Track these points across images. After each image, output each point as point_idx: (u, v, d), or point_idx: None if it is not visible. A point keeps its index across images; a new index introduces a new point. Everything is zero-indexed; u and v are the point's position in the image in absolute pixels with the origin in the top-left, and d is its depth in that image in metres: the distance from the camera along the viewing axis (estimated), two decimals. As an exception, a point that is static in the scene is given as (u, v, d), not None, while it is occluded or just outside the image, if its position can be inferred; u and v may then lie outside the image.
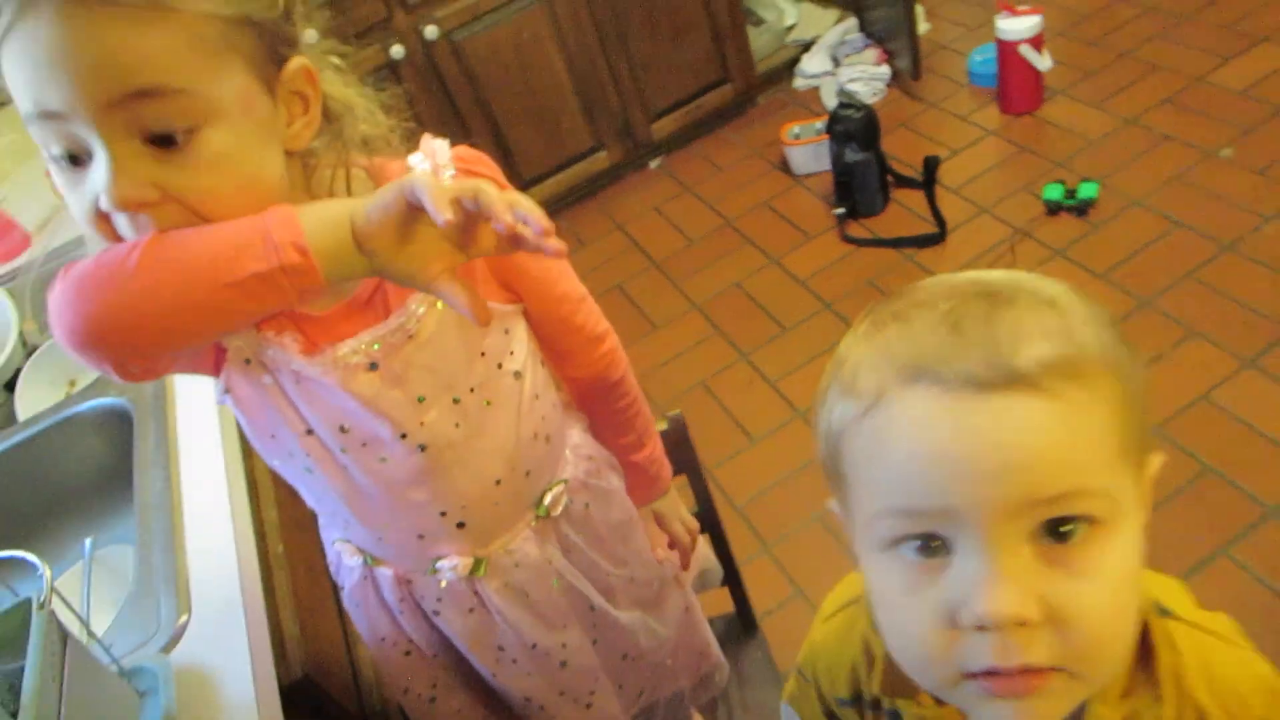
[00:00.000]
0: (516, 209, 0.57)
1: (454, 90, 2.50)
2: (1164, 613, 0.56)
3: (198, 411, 1.04)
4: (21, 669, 0.62)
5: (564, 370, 0.92)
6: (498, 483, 0.83)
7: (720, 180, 2.85)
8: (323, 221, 0.61)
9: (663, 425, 1.17)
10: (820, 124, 2.60)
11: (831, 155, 2.46)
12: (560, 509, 0.90)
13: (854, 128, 2.37)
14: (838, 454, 0.52)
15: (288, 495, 0.96)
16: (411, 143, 0.76)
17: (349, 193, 0.72)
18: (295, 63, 0.65)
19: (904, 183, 2.52)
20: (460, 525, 0.83)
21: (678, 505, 1.07)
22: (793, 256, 2.51)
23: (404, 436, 0.76)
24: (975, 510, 0.45)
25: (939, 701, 0.58)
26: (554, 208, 2.89)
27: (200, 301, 0.60)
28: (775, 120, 2.94)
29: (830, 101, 2.85)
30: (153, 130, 0.58)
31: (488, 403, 0.80)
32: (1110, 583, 0.46)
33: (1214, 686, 0.54)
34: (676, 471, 1.21)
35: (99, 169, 0.58)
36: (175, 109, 0.58)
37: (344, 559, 0.91)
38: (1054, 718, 0.49)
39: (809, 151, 2.66)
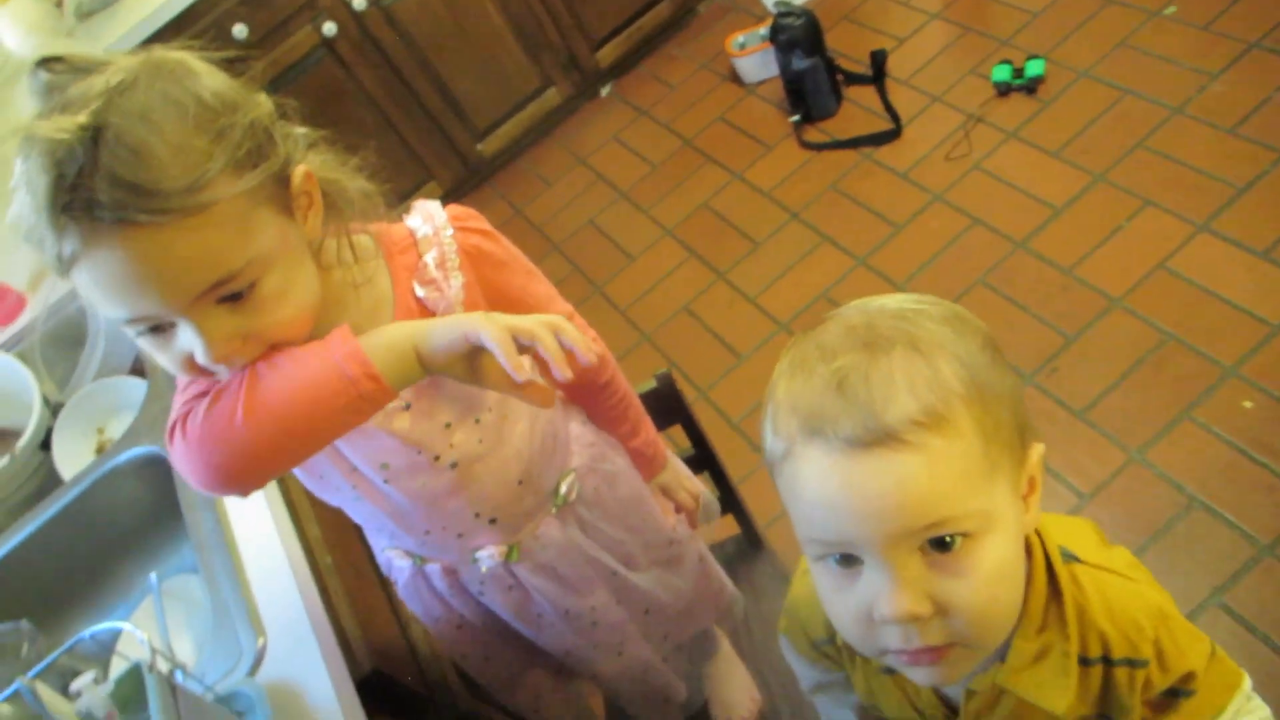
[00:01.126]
0: (562, 337, 0.69)
1: (394, 56, 2.49)
2: (1069, 558, 0.69)
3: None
4: (146, 724, 0.72)
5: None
6: (520, 483, 0.93)
7: (673, 99, 2.86)
8: (388, 349, 0.71)
9: (650, 384, 1.25)
10: (764, 30, 2.60)
11: (779, 64, 2.47)
12: (575, 495, 1.00)
13: (796, 35, 2.38)
14: (774, 478, 0.64)
15: (325, 511, 1.06)
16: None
17: (355, 258, 0.79)
18: (298, 174, 0.71)
19: (854, 80, 2.54)
20: (492, 521, 0.94)
21: (679, 475, 1.18)
22: (755, 169, 2.55)
23: (437, 459, 0.85)
24: (868, 541, 0.57)
25: None
26: (513, 152, 2.91)
27: (300, 439, 0.71)
28: (719, 29, 2.93)
29: (770, 1, 2.84)
30: (224, 296, 0.66)
31: (504, 417, 0.90)
32: (985, 578, 0.58)
33: (1113, 615, 0.67)
34: (669, 423, 1.30)
35: (187, 334, 0.66)
36: (242, 279, 0.66)
37: (394, 562, 1.01)
38: (960, 674, 0.64)
39: (756, 60, 2.67)
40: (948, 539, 0.57)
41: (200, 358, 0.67)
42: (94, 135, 0.60)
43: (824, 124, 2.52)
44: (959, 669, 0.63)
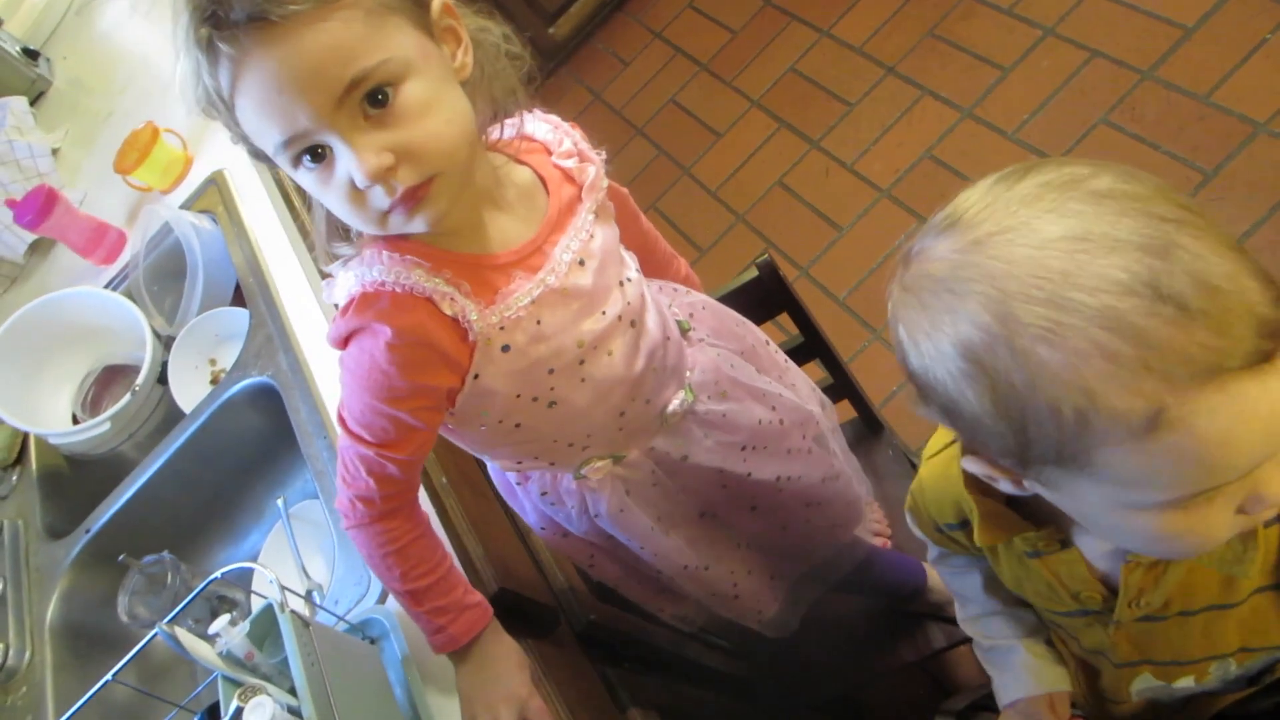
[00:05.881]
0: None
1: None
2: None
3: (335, 378, 1.11)
4: (285, 660, 0.73)
5: None
6: (666, 337, 0.94)
7: (750, -46, 2.67)
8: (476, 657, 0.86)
9: (751, 274, 1.19)
10: None
11: (864, -99, 2.26)
12: (686, 318, 1.04)
13: None
14: None
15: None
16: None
17: (508, 184, 0.83)
18: (437, 2, 0.73)
19: (948, -92, 2.30)
20: (666, 369, 0.94)
21: None
22: (844, 23, 2.38)
23: (619, 318, 0.86)
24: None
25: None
26: (586, 32, 2.78)
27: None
28: None
29: None
30: (366, 96, 0.67)
31: (634, 274, 0.92)
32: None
33: None
34: (776, 311, 1.23)
35: (343, 158, 0.68)
36: (379, 77, 0.67)
37: (590, 485, 0.96)
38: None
39: (838, -101, 2.45)
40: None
41: (358, 179, 0.68)
42: None
43: (917, -37, 2.31)
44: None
